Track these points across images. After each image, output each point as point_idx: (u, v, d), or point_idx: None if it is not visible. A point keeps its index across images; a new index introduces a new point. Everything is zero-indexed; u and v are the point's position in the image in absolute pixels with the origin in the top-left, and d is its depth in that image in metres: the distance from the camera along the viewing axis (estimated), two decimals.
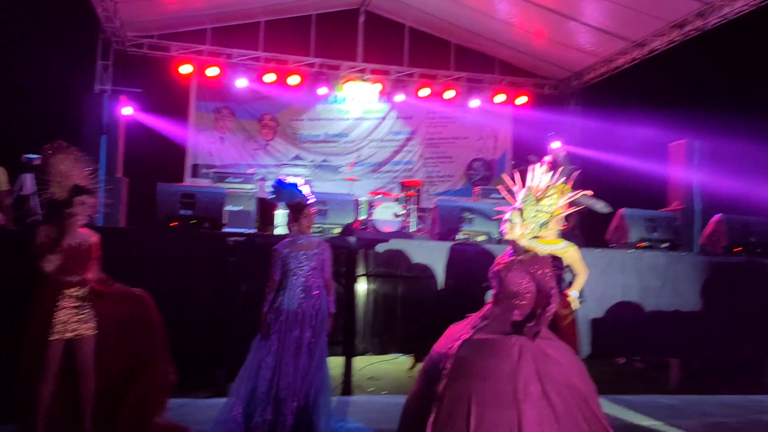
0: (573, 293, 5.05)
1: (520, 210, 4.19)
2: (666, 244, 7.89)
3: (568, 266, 5.15)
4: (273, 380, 4.70)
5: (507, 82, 14.14)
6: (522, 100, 14.12)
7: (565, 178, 4.36)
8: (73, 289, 4.38)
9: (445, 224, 7.30)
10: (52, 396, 4.32)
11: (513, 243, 4.21)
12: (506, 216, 4.21)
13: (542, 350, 3.87)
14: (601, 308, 6.85)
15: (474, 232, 7.37)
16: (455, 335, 4.06)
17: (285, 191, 5.01)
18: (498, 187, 4.74)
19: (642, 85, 11.81)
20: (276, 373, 4.72)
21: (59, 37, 10.87)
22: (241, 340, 5.15)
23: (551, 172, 4.28)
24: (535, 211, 4.17)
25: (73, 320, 4.35)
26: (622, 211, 8.08)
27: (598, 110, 12.66)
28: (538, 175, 4.23)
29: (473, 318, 4.17)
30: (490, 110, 14.09)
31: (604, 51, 12.48)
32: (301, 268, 4.89)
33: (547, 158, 5.90)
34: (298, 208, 5.00)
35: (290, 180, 5.02)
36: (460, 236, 7.33)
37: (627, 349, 7.34)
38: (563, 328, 5.28)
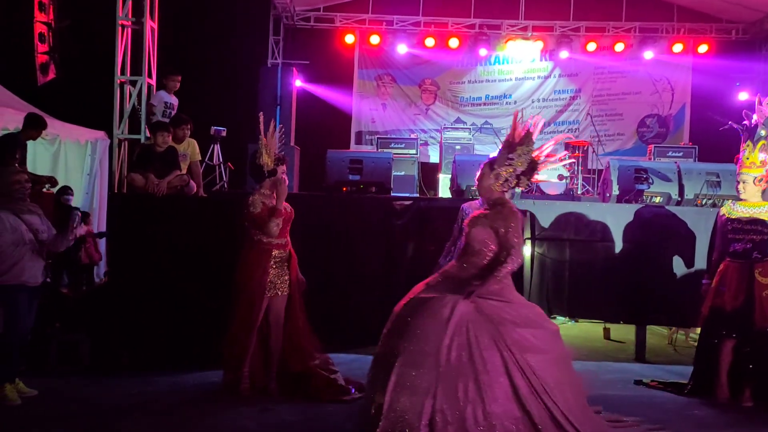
0: None
1: (492, 162, 3.94)
2: None
3: None
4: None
5: (686, 29, 12.93)
6: (703, 48, 12.88)
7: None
8: (278, 252, 4.78)
9: (619, 185, 6.90)
10: (254, 348, 4.78)
11: (483, 196, 3.99)
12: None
13: (483, 311, 3.59)
14: None
15: (650, 193, 6.89)
16: (412, 293, 3.86)
17: None
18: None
19: None
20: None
21: (237, 17, 11.69)
22: None
23: (529, 126, 3.93)
24: (506, 161, 3.89)
25: (277, 281, 4.80)
26: None
27: None
28: (517, 126, 3.95)
29: (434, 275, 3.95)
30: (666, 61, 13.02)
31: None
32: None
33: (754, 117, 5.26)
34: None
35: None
36: (638, 198, 6.90)
37: None
38: (763, 298, 4.84)
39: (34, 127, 6.66)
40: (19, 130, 6.71)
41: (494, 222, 3.81)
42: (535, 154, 3.94)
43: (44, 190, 7.47)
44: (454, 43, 12.88)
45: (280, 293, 4.82)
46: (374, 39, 12.96)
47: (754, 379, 4.90)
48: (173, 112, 8.06)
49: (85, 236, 8.56)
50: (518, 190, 4.66)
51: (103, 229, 8.54)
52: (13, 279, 4.61)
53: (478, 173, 4.01)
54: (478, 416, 3.39)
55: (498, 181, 3.89)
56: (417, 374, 3.46)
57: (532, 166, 3.93)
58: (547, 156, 4.00)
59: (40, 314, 5.09)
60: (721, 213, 5.24)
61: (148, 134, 7.96)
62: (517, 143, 3.93)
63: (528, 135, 3.94)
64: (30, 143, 8.87)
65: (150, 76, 9.08)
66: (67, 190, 8.25)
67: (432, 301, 3.67)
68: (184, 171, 6.85)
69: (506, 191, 3.96)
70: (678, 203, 6.88)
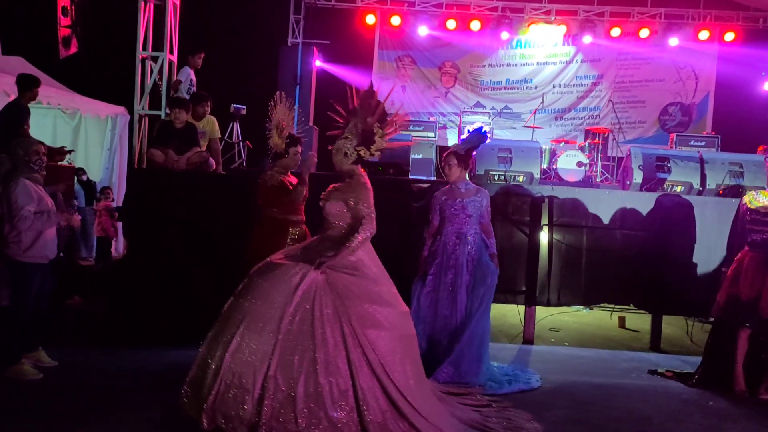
0: None
1: (343, 136, 3.95)
2: None
3: None
4: (428, 318, 4.91)
5: (713, 16, 12.69)
6: (730, 36, 12.65)
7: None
8: (294, 230, 4.80)
9: (640, 173, 6.82)
10: None
11: (337, 170, 3.98)
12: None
13: (332, 282, 3.60)
14: None
15: (672, 181, 6.82)
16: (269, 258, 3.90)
17: (476, 138, 5.10)
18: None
19: None
20: (431, 311, 4.92)
21: None
22: None
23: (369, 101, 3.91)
24: (343, 137, 3.93)
25: None
26: None
27: None
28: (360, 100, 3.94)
29: (296, 246, 4.01)
30: (691, 49, 12.81)
31: None
32: (456, 215, 4.96)
33: None
34: (468, 155, 5.09)
35: (477, 126, 5.16)
36: (659, 186, 6.83)
37: None
38: None
39: (29, 87, 6.52)
40: (18, 97, 6.65)
41: (345, 194, 3.86)
42: (369, 124, 3.93)
43: (63, 163, 7.53)
44: (475, 25, 12.75)
45: None
46: (395, 20, 12.86)
47: None
48: (194, 89, 8.08)
49: (101, 210, 8.64)
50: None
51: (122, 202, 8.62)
52: (31, 257, 4.62)
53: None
54: (309, 387, 3.42)
55: (339, 155, 3.94)
56: (258, 339, 3.48)
57: (367, 137, 3.93)
58: (385, 126, 3.98)
59: (59, 286, 5.14)
60: (743, 202, 5.21)
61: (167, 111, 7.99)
62: (351, 117, 3.96)
63: (356, 108, 3.96)
64: (51, 117, 8.95)
65: (171, 52, 9.10)
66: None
67: (284, 267, 3.69)
68: (203, 148, 6.87)
69: (354, 163, 3.97)
70: (699, 193, 6.80)
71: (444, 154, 5.21)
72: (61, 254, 4.99)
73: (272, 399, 3.41)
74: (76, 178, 9.17)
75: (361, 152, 3.93)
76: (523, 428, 3.94)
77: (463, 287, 4.91)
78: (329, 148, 4.05)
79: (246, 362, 3.47)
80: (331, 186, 3.98)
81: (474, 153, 5.26)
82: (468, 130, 5.17)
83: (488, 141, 5.26)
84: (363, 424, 3.44)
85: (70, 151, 7.33)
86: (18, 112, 6.45)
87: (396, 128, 4.04)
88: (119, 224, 8.46)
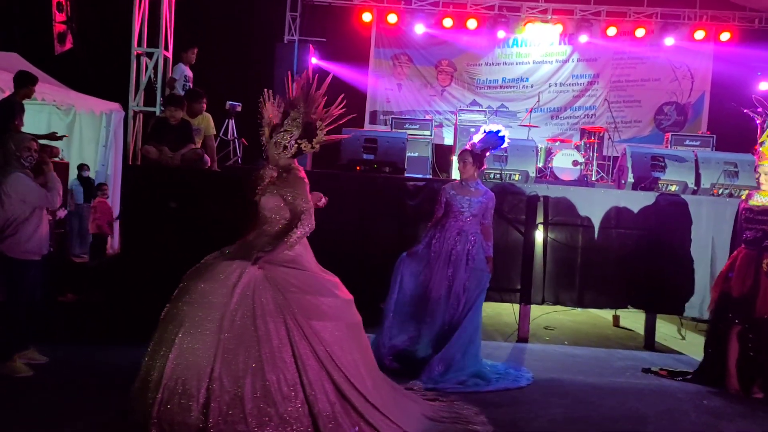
0: None
1: (271, 128, 3.84)
2: None
3: None
4: (420, 309, 4.97)
5: (709, 16, 12.71)
6: (725, 36, 12.68)
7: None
8: None
9: (634, 172, 6.83)
10: None
11: (274, 164, 3.86)
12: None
13: (271, 278, 3.52)
14: None
15: (666, 181, 6.83)
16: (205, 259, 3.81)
17: (494, 140, 5.12)
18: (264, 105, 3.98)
19: None
20: (424, 305, 4.96)
21: None
22: None
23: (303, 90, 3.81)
24: (281, 128, 3.80)
25: None
26: None
27: None
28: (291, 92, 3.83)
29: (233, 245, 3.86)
30: (686, 48, 12.83)
31: None
32: (462, 212, 4.98)
33: None
34: (483, 155, 5.11)
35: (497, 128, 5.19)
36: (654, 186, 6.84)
37: None
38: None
39: (25, 84, 6.52)
40: (12, 93, 6.63)
41: (282, 189, 3.76)
42: (312, 116, 3.84)
43: (57, 159, 7.49)
44: (472, 24, 12.74)
45: None
46: (392, 18, 12.83)
47: (764, 371, 4.89)
48: (190, 85, 8.04)
49: (96, 207, 8.62)
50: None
51: (118, 199, 8.59)
52: (26, 254, 4.62)
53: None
54: (256, 385, 3.35)
55: (278, 149, 3.82)
56: (200, 342, 3.38)
57: (309, 129, 3.84)
58: (326, 119, 3.89)
59: (52, 283, 5.11)
60: (741, 201, 5.28)
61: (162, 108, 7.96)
62: (290, 109, 3.84)
63: (296, 99, 3.84)
64: (46, 113, 8.91)
65: (167, 48, 9.06)
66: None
67: (220, 266, 3.58)
68: (198, 145, 6.85)
69: (292, 157, 3.87)
70: (694, 192, 6.82)
71: (460, 151, 5.26)
72: (51, 249, 4.96)
73: (219, 401, 3.32)
74: (78, 172, 9.15)
75: (303, 145, 3.83)
76: (471, 422, 3.95)
77: (460, 284, 4.93)
78: (263, 141, 3.89)
79: (188, 367, 3.36)
80: (269, 180, 3.83)
81: (488, 155, 5.26)
82: (485, 131, 5.16)
83: (506, 145, 5.25)
84: (313, 416, 3.37)
85: (61, 137, 7.24)
86: (9, 108, 6.42)
87: (334, 120, 3.93)
88: (116, 222, 8.44)
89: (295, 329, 3.46)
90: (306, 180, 3.83)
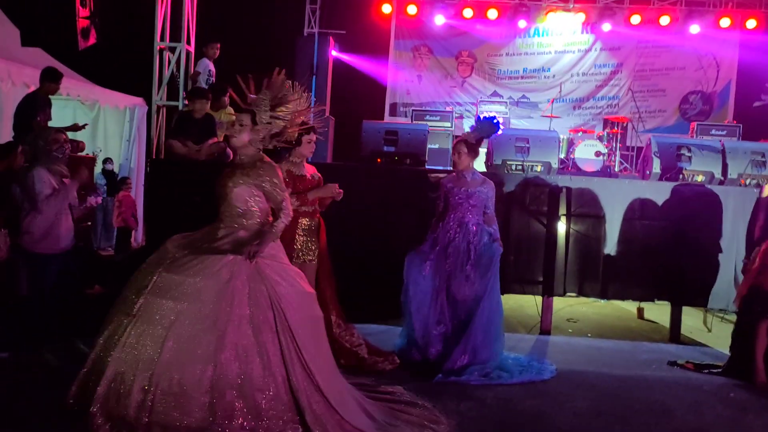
0: None
1: (253, 113, 3.73)
2: None
3: None
4: (431, 303, 4.96)
5: (734, 3, 12.46)
6: (752, 23, 12.41)
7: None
8: (306, 220, 4.76)
9: (660, 163, 6.75)
10: None
11: (239, 149, 3.76)
12: (236, 118, 3.78)
13: (261, 272, 3.48)
14: None
15: (692, 171, 6.74)
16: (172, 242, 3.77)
17: (488, 127, 5.06)
18: (229, 90, 3.96)
19: None
20: (433, 297, 4.96)
21: None
22: None
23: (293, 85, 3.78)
24: (270, 118, 3.74)
25: (304, 249, 4.76)
26: None
27: None
28: (279, 83, 3.77)
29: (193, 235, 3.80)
30: (712, 36, 12.57)
31: None
32: (461, 203, 4.95)
33: None
34: (478, 144, 5.07)
35: (490, 114, 5.12)
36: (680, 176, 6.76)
37: None
38: None
39: (51, 79, 6.59)
40: (37, 89, 6.70)
41: (257, 179, 3.69)
42: (290, 118, 3.84)
43: (84, 154, 7.59)
44: (492, 14, 12.60)
45: (307, 262, 4.76)
46: (411, 9, 12.75)
47: None
48: (213, 80, 8.10)
49: (121, 200, 8.72)
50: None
51: (141, 193, 8.69)
52: (46, 248, 4.67)
53: (235, 125, 3.84)
54: (256, 376, 3.35)
55: (258, 136, 3.77)
56: (196, 339, 3.33)
57: (281, 131, 3.85)
58: (294, 118, 3.88)
59: (80, 276, 5.18)
60: (764, 192, 5.17)
61: (186, 102, 8.03)
62: (278, 104, 3.81)
63: (288, 96, 3.83)
64: (70, 108, 9.02)
65: (189, 43, 9.13)
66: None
67: (206, 260, 3.52)
68: (221, 139, 6.89)
69: (260, 148, 3.83)
70: (721, 183, 6.72)
71: (454, 142, 5.20)
72: (81, 244, 5.02)
73: (162, 394, 3.27)
74: (102, 167, 9.28)
75: (270, 143, 3.84)
76: (435, 421, 3.82)
77: (462, 276, 4.89)
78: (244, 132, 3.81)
79: (189, 367, 3.32)
80: (234, 168, 3.77)
81: (485, 141, 5.21)
82: (478, 118, 5.12)
83: (500, 132, 5.17)
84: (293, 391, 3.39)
85: (83, 126, 7.30)
86: (32, 103, 6.50)
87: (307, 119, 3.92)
88: (140, 215, 8.54)
89: (281, 323, 3.46)
90: (278, 167, 3.81)
